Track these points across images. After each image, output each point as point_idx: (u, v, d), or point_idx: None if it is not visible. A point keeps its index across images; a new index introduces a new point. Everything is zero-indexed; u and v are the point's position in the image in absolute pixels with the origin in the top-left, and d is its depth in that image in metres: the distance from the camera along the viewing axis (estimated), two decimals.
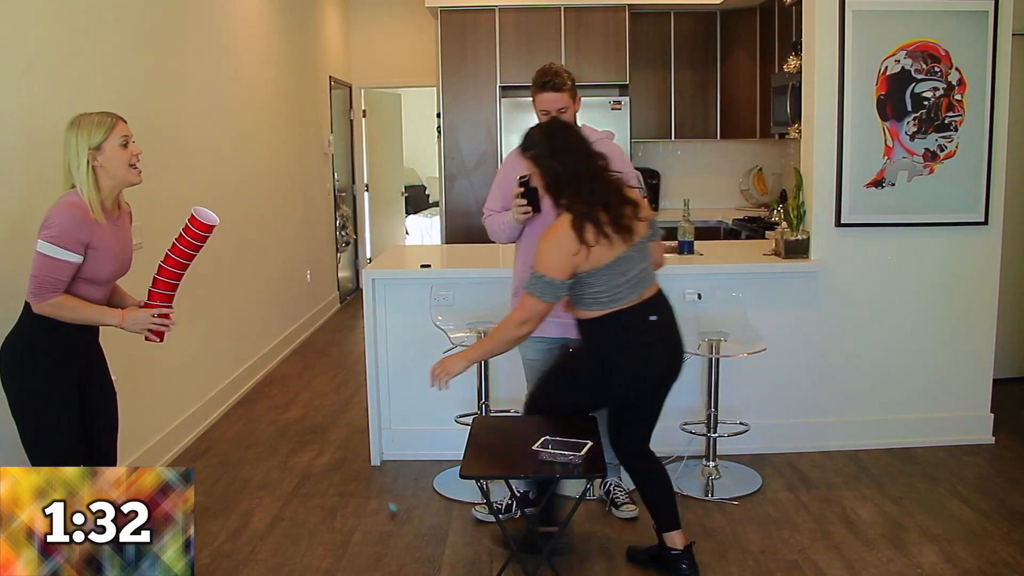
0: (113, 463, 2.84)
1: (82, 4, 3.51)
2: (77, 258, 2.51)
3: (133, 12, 3.94)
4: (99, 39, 3.64)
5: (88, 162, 2.54)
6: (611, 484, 3.60)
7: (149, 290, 2.74)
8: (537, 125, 2.92)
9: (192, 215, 2.67)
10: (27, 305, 2.56)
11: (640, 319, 2.86)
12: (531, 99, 3.36)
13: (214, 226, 2.68)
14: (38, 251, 2.49)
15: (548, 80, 3.25)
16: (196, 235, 2.67)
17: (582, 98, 3.44)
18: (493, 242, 3.55)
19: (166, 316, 2.73)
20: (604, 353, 2.89)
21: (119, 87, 3.77)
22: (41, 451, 2.57)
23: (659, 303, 2.92)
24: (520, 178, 3.13)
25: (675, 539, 3.03)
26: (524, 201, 3.15)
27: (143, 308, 2.74)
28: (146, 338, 2.78)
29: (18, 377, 2.56)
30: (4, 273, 2.91)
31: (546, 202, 2.97)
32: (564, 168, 2.79)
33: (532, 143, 2.89)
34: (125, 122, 2.62)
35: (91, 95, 3.52)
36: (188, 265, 2.73)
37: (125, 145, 2.59)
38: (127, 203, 2.78)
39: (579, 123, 3.39)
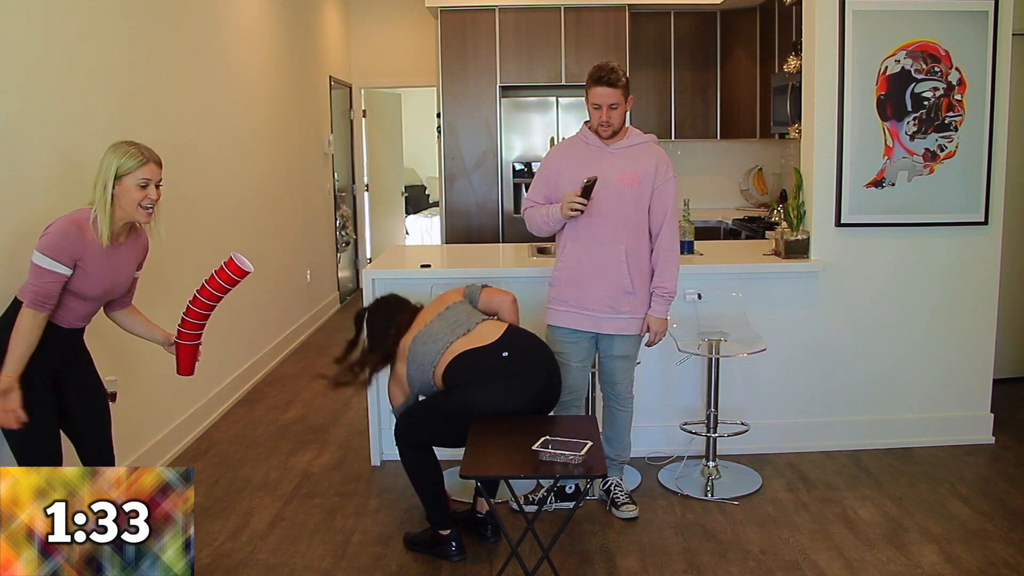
0: (111, 461, 2.87)
1: (83, 3, 3.51)
2: (65, 270, 2.59)
3: (133, 12, 3.94)
4: (100, 41, 3.63)
5: (109, 187, 2.64)
6: (611, 484, 3.60)
7: (178, 329, 2.92)
8: (361, 329, 3.39)
9: (230, 259, 2.83)
10: (12, 303, 2.64)
11: (490, 357, 3.10)
12: (584, 95, 3.43)
13: (248, 272, 2.85)
14: (32, 261, 2.58)
15: (603, 75, 3.32)
16: (229, 279, 2.84)
17: (582, 97, 3.45)
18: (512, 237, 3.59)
19: (196, 349, 2.94)
20: (460, 391, 3.12)
21: (119, 89, 3.77)
22: (24, 446, 2.63)
23: (510, 340, 3.15)
24: (586, 180, 3.25)
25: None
26: (584, 202, 3.26)
27: (172, 342, 2.95)
28: (177, 372, 2.96)
29: None
30: (15, 281, 2.91)
31: (592, 203, 3.28)
32: (380, 346, 3.31)
33: (366, 343, 3.38)
34: (159, 166, 2.72)
35: (91, 97, 3.53)
36: (215, 306, 2.90)
37: (144, 187, 2.67)
38: (148, 237, 2.87)
39: (627, 123, 3.47)
